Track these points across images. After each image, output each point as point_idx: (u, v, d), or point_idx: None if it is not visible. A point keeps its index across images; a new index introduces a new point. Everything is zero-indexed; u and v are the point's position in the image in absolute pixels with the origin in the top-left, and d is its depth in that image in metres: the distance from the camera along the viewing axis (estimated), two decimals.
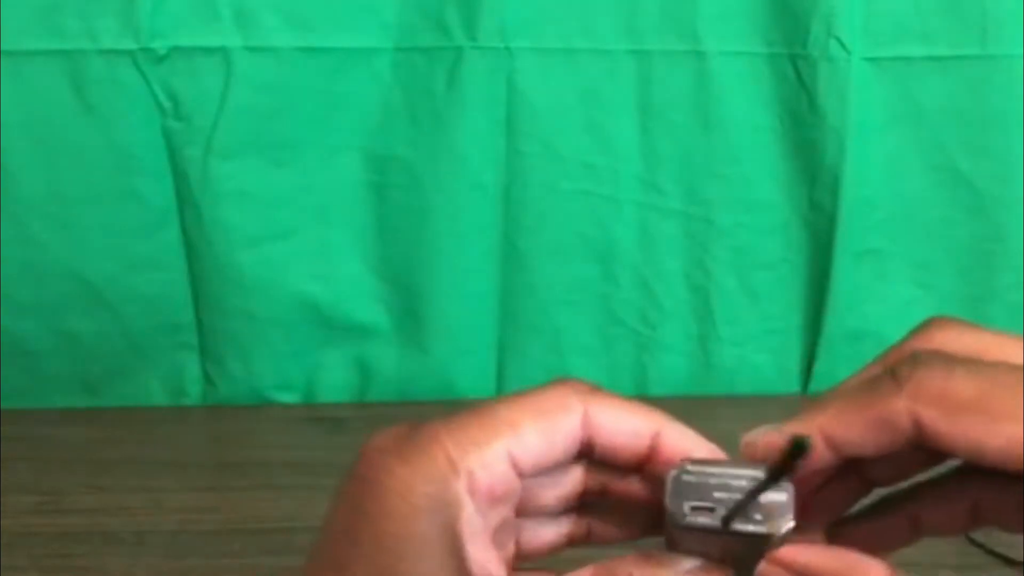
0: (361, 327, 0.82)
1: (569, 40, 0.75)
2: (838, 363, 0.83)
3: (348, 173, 0.78)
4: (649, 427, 0.29)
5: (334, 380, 0.83)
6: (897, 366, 0.27)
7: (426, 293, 0.80)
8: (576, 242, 0.80)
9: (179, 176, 0.75)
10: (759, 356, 0.84)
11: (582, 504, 0.31)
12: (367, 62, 0.75)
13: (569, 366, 0.83)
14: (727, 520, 0.27)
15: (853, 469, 0.30)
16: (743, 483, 0.28)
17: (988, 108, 0.77)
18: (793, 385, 0.85)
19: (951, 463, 0.29)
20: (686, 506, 0.28)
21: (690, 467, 0.28)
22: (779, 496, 0.27)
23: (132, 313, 0.78)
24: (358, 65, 0.74)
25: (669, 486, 0.28)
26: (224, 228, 0.76)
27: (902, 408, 0.26)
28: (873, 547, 0.30)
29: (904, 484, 0.31)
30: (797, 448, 0.26)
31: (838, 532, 0.31)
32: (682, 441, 0.29)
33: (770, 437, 0.29)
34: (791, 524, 0.27)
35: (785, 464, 0.26)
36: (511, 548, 0.30)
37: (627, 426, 0.29)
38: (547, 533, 0.31)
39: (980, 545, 0.60)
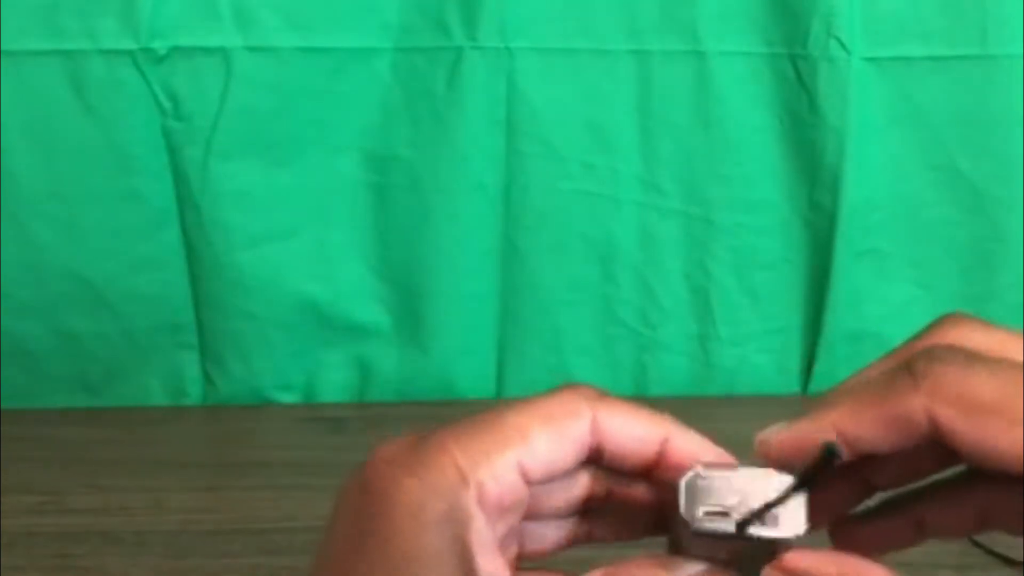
0: (361, 327, 0.82)
1: (569, 40, 0.75)
2: (838, 363, 0.83)
3: (348, 173, 0.78)
4: (658, 433, 0.29)
5: (334, 380, 0.83)
6: (913, 361, 0.26)
7: (426, 293, 0.80)
8: (576, 242, 0.80)
9: (179, 176, 0.75)
10: (759, 356, 0.84)
11: (586, 506, 0.31)
12: (367, 62, 0.75)
13: (569, 366, 0.83)
14: (743, 525, 0.27)
15: (856, 471, 0.30)
16: (755, 487, 0.28)
17: (988, 108, 0.77)
18: (793, 385, 0.85)
19: (957, 466, 0.28)
20: (700, 511, 0.28)
21: (702, 472, 0.28)
22: (792, 499, 0.27)
23: (132, 313, 0.78)
24: (358, 65, 0.74)
25: (682, 492, 0.28)
26: (224, 228, 0.76)
27: (919, 405, 0.26)
28: (876, 548, 0.30)
29: (908, 487, 0.31)
30: (828, 455, 0.25)
31: (841, 532, 0.31)
32: (691, 447, 0.29)
33: (784, 436, 0.28)
34: (805, 527, 0.27)
35: (815, 471, 0.26)
36: (514, 550, 0.30)
37: (636, 433, 0.29)
38: (550, 535, 0.31)
39: (980, 545, 0.60)
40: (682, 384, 0.84)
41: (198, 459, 0.74)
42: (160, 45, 0.71)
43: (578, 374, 0.82)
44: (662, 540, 0.31)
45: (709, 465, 0.28)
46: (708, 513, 0.28)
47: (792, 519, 0.27)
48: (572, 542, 0.32)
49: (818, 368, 0.84)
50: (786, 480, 0.28)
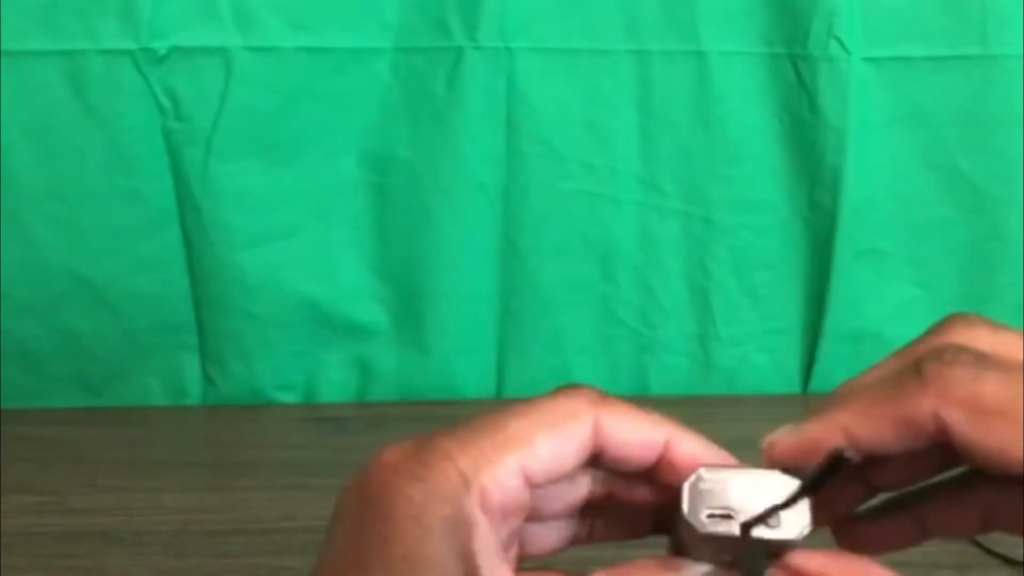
0: (361, 327, 0.82)
1: (569, 40, 0.75)
2: (838, 363, 0.83)
3: (348, 173, 0.78)
4: (659, 435, 0.29)
5: (334, 380, 0.83)
6: (922, 362, 0.26)
7: (426, 293, 0.80)
8: (576, 242, 0.80)
9: (179, 176, 0.75)
10: (759, 356, 0.84)
11: (586, 507, 0.31)
12: (367, 62, 0.75)
13: (569, 366, 0.83)
14: (747, 527, 0.27)
15: (859, 471, 0.30)
16: (759, 488, 0.28)
17: (988, 108, 0.77)
18: (793, 385, 0.85)
19: (959, 467, 0.28)
20: (704, 514, 0.28)
21: (705, 475, 0.28)
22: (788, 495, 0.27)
23: (132, 313, 0.78)
24: (358, 65, 0.74)
25: (686, 495, 0.28)
26: (224, 228, 0.76)
27: (927, 407, 0.26)
28: (879, 548, 0.30)
29: (912, 487, 0.30)
30: (838, 461, 0.25)
31: (844, 532, 0.31)
32: (692, 448, 0.29)
33: (792, 439, 0.28)
34: (809, 528, 0.27)
35: (824, 475, 0.26)
36: (515, 551, 0.30)
37: (638, 436, 0.29)
38: (551, 536, 0.31)
39: (980, 545, 0.60)
40: (682, 384, 0.84)
41: (198, 459, 0.74)
42: (160, 45, 0.71)
43: (578, 374, 0.82)
44: (662, 539, 0.31)
45: (712, 467, 0.28)
46: (712, 515, 0.27)
47: (796, 520, 0.27)
48: (573, 542, 0.32)
49: (818, 368, 0.84)
50: (790, 482, 0.28)
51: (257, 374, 0.81)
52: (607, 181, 0.79)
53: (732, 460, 0.29)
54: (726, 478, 0.28)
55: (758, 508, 0.27)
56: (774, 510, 0.27)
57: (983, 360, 0.26)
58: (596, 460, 0.29)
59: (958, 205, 0.80)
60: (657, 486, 0.30)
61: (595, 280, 0.81)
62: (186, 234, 0.77)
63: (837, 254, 0.80)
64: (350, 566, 0.27)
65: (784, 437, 0.29)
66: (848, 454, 0.25)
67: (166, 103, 0.72)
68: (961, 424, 0.26)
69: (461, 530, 0.26)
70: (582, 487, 0.30)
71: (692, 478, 0.28)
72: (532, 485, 0.27)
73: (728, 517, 0.27)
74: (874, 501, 0.31)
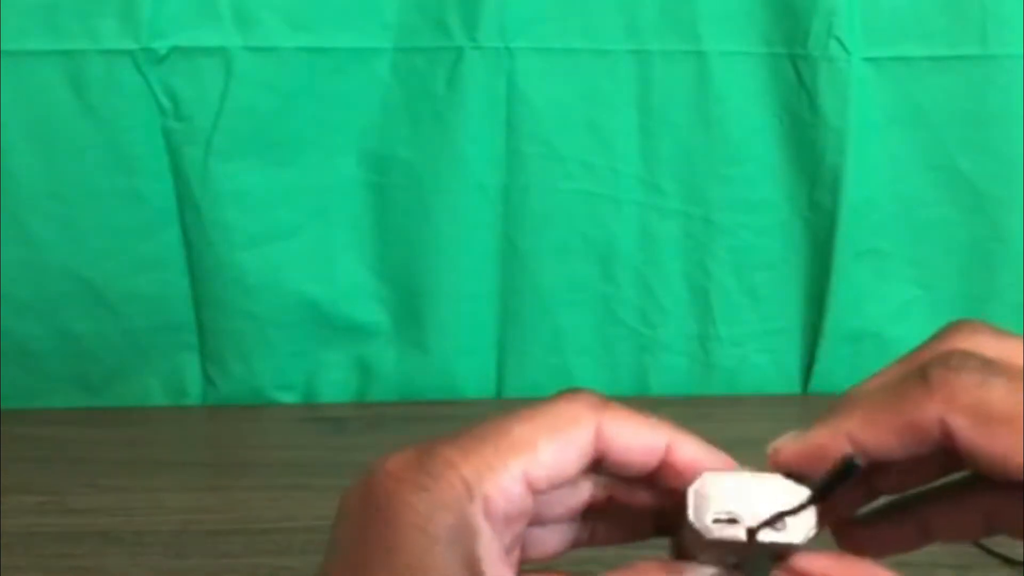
0: (361, 327, 0.82)
1: (569, 40, 0.75)
2: (838, 363, 0.83)
3: (348, 173, 0.78)
4: (661, 440, 0.29)
5: (334, 380, 0.83)
6: (928, 368, 0.26)
7: (426, 293, 0.80)
8: (576, 242, 0.80)
9: (179, 176, 0.75)
10: (759, 356, 0.84)
11: (587, 510, 0.31)
12: (367, 62, 0.75)
13: (569, 366, 0.83)
14: (753, 532, 0.27)
15: (862, 474, 0.30)
16: (763, 492, 0.28)
17: (988, 108, 0.77)
18: (793, 385, 0.85)
19: (960, 470, 0.28)
20: (709, 519, 0.28)
21: (709, 479, 0.28)
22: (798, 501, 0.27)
23: (132, 313, 0.78)
24: (358, 65, 0.74)
25: (691, 501, 0.28)
26: (224, 228, 0.76)
27: (932, 413, 0.26)
28: (881, 551, 0.30)
29: (915, 489, 0.30)
30: (848, 468, 0.25)
31: (846, 535, 0.31)
32: (694, 453, 0.29)
33: (798, 446, 0.28)
34: (814, 532, 0.27)
35: (833, 483, 0.26)
36: (517, 555, 0.30)
37: (640, 441, 0.29)
38: (553, 540, 0.31)
39: (980, 545, 0.60)
40: (682, 384, 0.84)
41: (198, 459, 0.74)
42: (160, 45, 0.71)
43: (578, 374, 0.82)
44: (663, 539, 0.31)
45: (715, 471, 0.28)
46: (717, 520, 0.28)
47: (801, 523, 0.27)
48: (574, 545, 0.32)
49: (818, 368, 0.84)
50: (793, 485, 0.28)
51: (257, 374, 0.81)
52: (607, 181, 0.79)
53: (733, 463, 0.29)
54: (730, 482, 0.28)
55: (763, 512, 0.27)
56: (782, 516, 0.27)
57: (989, 366, 0.26)
58: (598, 465, 0.29)
59: (958, 205, 0.80)
60: (658, 489, 0.30)
61: (595, 280, 0.81)
62: (186, 234, 0.77)
63: (837, 254, 0.80)
64: (355, 573, 0.27)
65: (789, 443, 0.28)
66: (858, 461, 0.25)
67: (166, 103, 0.72)
68: (967, 430, 0.25)
69: (465, 538, 0.26)
70: (584, 491, 0.30)
71: (696, 483, 0.28)
72: (535, 491, 0.27)
73: (733, 521, 0.27)
74: (876, 504, 0.31)
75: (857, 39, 0.74)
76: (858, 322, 0.83)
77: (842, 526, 0.31)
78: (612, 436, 0.28)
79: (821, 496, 0.27)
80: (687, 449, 0.29)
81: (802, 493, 0.28)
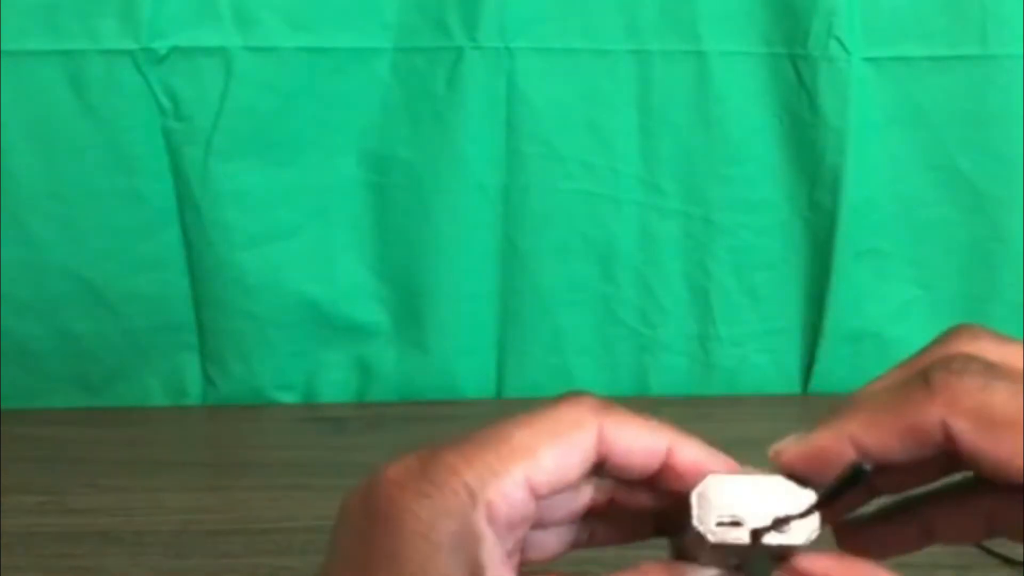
0: (361, 327, 0.82)
1: (569, 40, 0.75)
2: (838, 363, 0.83)
3: (348, 173, 0.78)
4: (663, 443, 0.29)
5: (334, 380, 0.83)
6: (930, 371, 0.26)
7: (426, 293, 0.80)
8: (576, 242, 0.80)
9: (179, 176, 0.75)
10: (759, 356, 0.84)
11: (588, 512, 0.31)
12: (367, 62, 0.75)
13: (569, 366, 0.83)
14: (757, 535, 0.27)
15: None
16: (766, 495, 0.28)
17: (988, 108, 0.77)
18: (793, 385, 0.85)
19: (965, 472, 0.28)
20: (713, 522, 0.28)
21: (712, 482, 0.28)
22: (803, 505, 0.27)
23: (132, 313, 0.78)
24: (358, 65, 0.74)
25: (694, 504, 0.28)
26: (224, 228, 0.76)
27: (934, 417, 0.26)
28: (883, 552, 0.30)
29: (917, 491, 0.30)
30: (856, 474, 0.25)
31: (848, 536, 0.31)
32: (696, 455, 0.29)
33: (800, 449, 0.28)
34: (816, 533, 0.27)
35: (841, 489, 0.26)
36: (518, 558, 0.30)
37: (642, 444, 0.29)
38: (553, 542, 0.31)
39: (980, 546, 0.60)
40: (682, 384, 0.84)
41: (198, 459, 0.74)
42: (160, 45, 0.71)
43: (578, 374, 0.82)
44: (661, 540, 0.31)
45: (718, 474, 0.28)
46: (721, 523, 0.28)
47: (804, 525, 0.27)
48: (574, 547, 0.32)
49: (818, 368, 0.84)
50: (795, 487, 0.28)
51: (257, 374, 0.81)
52: (607, 181, 0.79)
53: (734, 465, 0.29)
54: (733, 485, 0.28)
55: (766, 514, 0.27)
56: (789, 520, 0.27)
57: (991, 370, 0.26)
58: (599, 468, 0.29)
59: (958, 205, 0.80)
60: (659, 492, 0.30)
61: (595, 280, 0.81)
62: (186, 234, 0.77)
63: (837, 254, 0.80)
64: None
65: (791, 446, 0.29)
66: (867, 467, 0.25)
67: (166, 103, 0.72)
68: (969, 433, 0.26)
69: (469, 544, 0.26)
70: (585, 494, 0.31)
71: (699, 486, 0.28)
72: (537, 496, 0.27)
73: (737, 524, 0.27)
74: (877, 504, 0.31)
75: (857, 39, 0.74)
76: (858, 322, 0.83)
77: (843, 527, 0.31)
78: (613, 440, 0.28)
79: (827, 502, 0.27)
80: (688, 452, 0.29)
81: (804, 494, 0.28)
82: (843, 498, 0.27)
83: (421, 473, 0.27)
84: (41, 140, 0.72)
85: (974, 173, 0.79)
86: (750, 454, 0.30)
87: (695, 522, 0.28)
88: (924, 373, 0.26)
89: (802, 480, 0.28)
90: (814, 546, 0.28)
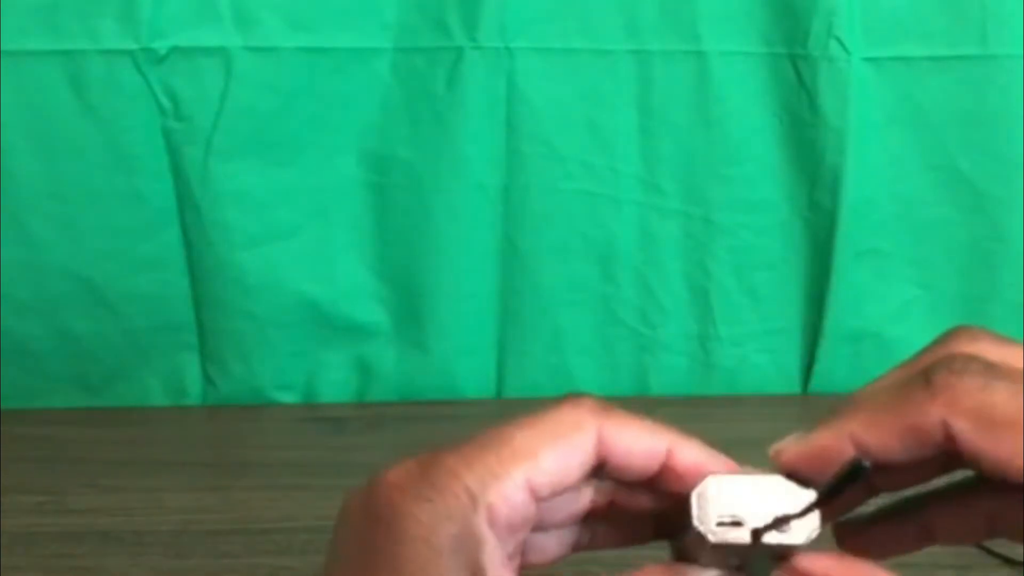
0: (361, 327, 0.82)
1: (569, 40, 0.75)
2: (838, 363, 0.83)
3: (348, 173, 0.78)
4: (663, 445, 0.29)
5: (334, 380, 0.83)
6: (931, 371, 0.26)
7: (426, 293, 0.80)
8: (576, 242, 0.80)
9: (179, 176, 0.75)
10: (759, 356, 0.84)
11: (588, 514, 0.31)
12: (367, 62, 0.75)
13: (569, 366, 0.83)
14: (758, 535, 0.27)
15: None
16: (766, 495, 0.28)
17: (988, 108, 0.77)
18: (793, 385, 0.85)
19: (966, 472, 0.28)
20: (714, 523, 0.28)
21: (712, 483, 0.28)
22: (803, 504, 0.27)
23: (132, 313, 0.78)
24: (358, 65, 0.74)
25: (695, 504, 0.28)
26: (224, 228, 0.76)
27: (935, 416, 0.26)
28: (882, 552, 0.30)
29: (917, 490, 0.30)
30: (856, 471, 0.25)
31: (848, 535, 0.31)
32: (696, 456, 0.29)
33: (800, 448, 0.28)
34: (816, 532, 0.27)
35: (840, 486, 0.26)
36: (518, 561, 0.30)
37: (642, 446, 0.29)
38: (553, 545, 0.31)
39: (980, 545, 0.60)
40: (682, 384, 0.84)
41: (198, 459, 0.74)
42: (160, 45, 0.71)
43: (578, 374, 0.82)
44: (661, 542, 0.31)
45: (718, 475, 0.28)
46: (721, 523, 0.28)
47: (804, 525, 0.27)
48: (574, 549, 0.32)
49: (818, 368, 0.84)
50: (795, 486, 0.28)
51: (257, 374, 0.81)
52: (607, 181, 0.79)
53: (734, 465, 0.29)
54: (733, 485, 0.28)
55: (766, 514, 0.27)
56: (789, 519, 0.27)
57: (992, 370, 0.26)
58: (599, 470, 0.29)
59: (958, 205, 0.80)
60: (659, 493, 0.30)
61: (595, 280, 0.81)
62: (186, 234, 0.77)
63: (837, 254, 0.80)
64: None
65: (791, 446, 0.29)
66: (866, 464, 0.25)
67: (166, 103, 0.72)
68: (969, 433, 0.26)
69: (469, 548, 0.26)
70: (585, 496, 0.31)
71: (699, 487, 0.28)
72: (538, 499, 0.27)
73: (737, 524, 0.28)
74: (877, 504, 0.31)
75: (857, 39, 0.74)
76: (858, 322, 0.83)
77: (843, 527, 0.31)
78: (614, 441, 0.28)
79: (827, 499, 0.27)
80: (688, 453, 0.29)
81: (804, 494, 0.28)
82: (843, 496, 0.27)
83: (422, 477, 0.27)
84: (41, 140, 0.72)
85: (974, 173, 0.79)
86: (750, 454, 0.30)
87: (695, 522, 0.28)
88: (924, 373, 0.26)
89: (802, 480, 0.28)
90: (814, 546, 0.28)
